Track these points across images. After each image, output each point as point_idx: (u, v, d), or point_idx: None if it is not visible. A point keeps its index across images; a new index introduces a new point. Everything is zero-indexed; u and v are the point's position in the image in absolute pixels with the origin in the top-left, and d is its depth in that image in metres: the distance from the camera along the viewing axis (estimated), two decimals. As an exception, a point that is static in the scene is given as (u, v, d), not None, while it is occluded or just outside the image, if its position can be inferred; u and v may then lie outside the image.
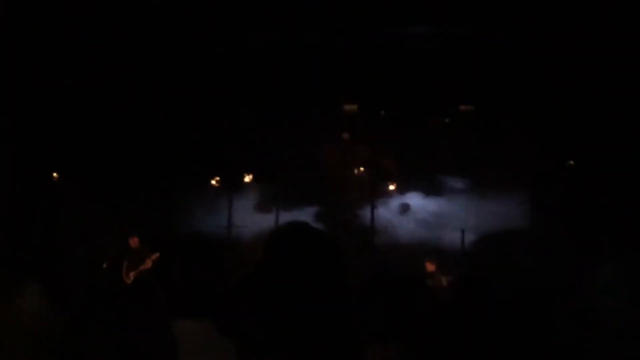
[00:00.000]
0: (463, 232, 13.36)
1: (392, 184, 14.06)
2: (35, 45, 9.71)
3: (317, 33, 10.13)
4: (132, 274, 11.62)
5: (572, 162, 12.73)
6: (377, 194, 14.33)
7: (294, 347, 1.48)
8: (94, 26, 9.45)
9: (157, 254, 11.74)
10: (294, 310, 1.49)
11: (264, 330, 1.51)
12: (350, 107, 13.02)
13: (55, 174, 13.42)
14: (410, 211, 14.47)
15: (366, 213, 14.46)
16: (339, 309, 1.52)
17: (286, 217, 14.12)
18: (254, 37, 10.07)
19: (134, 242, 12.00)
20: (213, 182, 14.24)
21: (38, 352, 1.93)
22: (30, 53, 9.82)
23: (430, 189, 14.17)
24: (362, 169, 14.38)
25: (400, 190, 14.26)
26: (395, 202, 14.54)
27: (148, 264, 11.67)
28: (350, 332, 2.01)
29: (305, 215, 14.32)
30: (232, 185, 14.59)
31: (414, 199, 14.39)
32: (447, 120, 13.25)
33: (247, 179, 14.53)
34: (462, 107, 12.64)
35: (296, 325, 1.48)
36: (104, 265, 11.75)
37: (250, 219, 14.40)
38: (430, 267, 11.74)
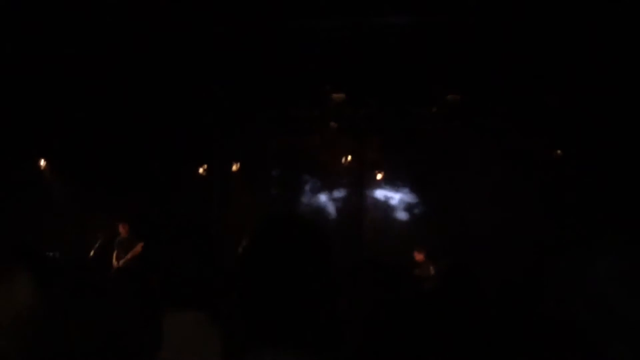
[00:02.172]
0: (451, 221, 13.42)
1: (380, 173, 14.09)
2: (21, 32, 9.64)
3: (304, 22, 10.10)
4: (121, 262, 11.64)
5: (559, 152, 12.80)
6: (365, 183, 14.37)
7: (280, 335, 1.49)
8: (77, 9, 9.37)
9: (141, 244, 11.76)
10: (280, 298, 1.50)
11: (249, 319, 1.52)
12: (338, 97, 13.00)
13: (42, 162, 13.38)
14: (397, 200, 14.54)
15: (353, 202, 14.49)
16: (325, 296, 1.53)
17: (273, 205, 14.15)
18: (239, 25, 10.02)
19: (124, 229, 12.01)
20: (200, 170, 14.23)
21: (25, 339, 1.92)
22: (16, 41, 9.75)
23: (418, 178, 14.22)
24: (349, 158, 14.40)
25: (388, 179, 14.30)
26: (382, 191, 14.59)
27: (137, 251, 11.69)
28: (336, 319, 2.03)
29: (292, 204, 14.35)
30: (220, 174, 14.59)
31: (402, 188, 14.44)
32: (434, 110, 13.26)
33: (235, 167, 14.53)
34: (449, 97, 12.65)
35: (282, 314, 1.49)
36: (91, 253, 11.76)
37: (237, 207, 14.42)
38: (418, 256, 11.81)
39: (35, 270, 2.19)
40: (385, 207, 14.64)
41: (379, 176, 14.10)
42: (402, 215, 14.40)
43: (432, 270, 11.59)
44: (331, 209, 14.62)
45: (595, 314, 1.70)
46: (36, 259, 2.28)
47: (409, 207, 14.43)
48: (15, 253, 2.26)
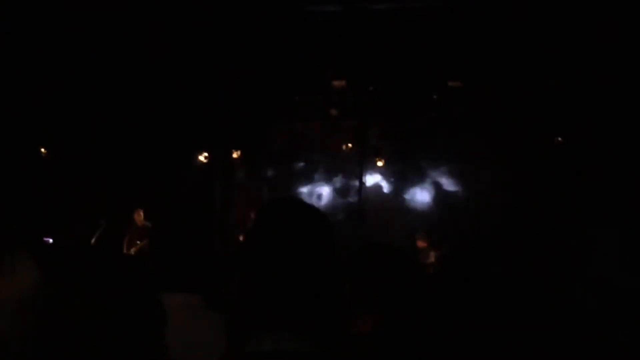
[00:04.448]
0: (453, 207, 13.42)
1: (381, 160, 14.07)
2: (22, 22, 9.61)
3: (305, 7, 10.07)
4: (132, 250, 11.69)
5: (560, 139, 12.77)
6: (365, 169, 14.35)
7: (283, 319, 1.47)
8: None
9: (147, 240, 11.77)
10: (283, 283, 1.48)
11: (252, 304, 1.51)
12: (338, 83, 12.97)
13: (43, 149, 13.36)
14: (398, 187, 14.53)
15: (354, 189, 14.48)
16: (328, 281, 1.51)
17: (274, 193, 14.16)
18: (240, 10, 9.99)
19: (138, 216, 12.06)
20: (201, 158, 14.22)
21: (28, 324, 1.91)
22: (18, 30, 9.71)
23: (419, 165, 14.20)
24: (350, 144, 14.38)
25: (389, 165, 14.28)
26: (383, 178, 14.58)
27: (144, 244, 11.72)
28: (339, 304, 2.01)
29: (293, 190, 14.35)
30: (220, 161, 14.57)
31: (402, 175, 14.43)
32: (435, 97, 13.23)
33: (235, 155, 14.52)
34: (450, 84, 12.63)
35: (285, 298, 1.48)
36: (93, 240, 11.78)
37: (238, 195, 14.43)
38: (421, 243, 11.81)
39: (37, 257, 2.17)
40: (385, 194, 14.63)
41: (380, 163, 14.08)
42: (403, 202, 14.39)
43: (432, 256, 11.59)
44: (331, 195, 14.62)
45: (598, 295, 1.69)
46: (34, 244, 2.27)
47: (409, 194, 14.42)
48: (15, 238, 2.25)
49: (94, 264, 1.95)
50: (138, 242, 11.91)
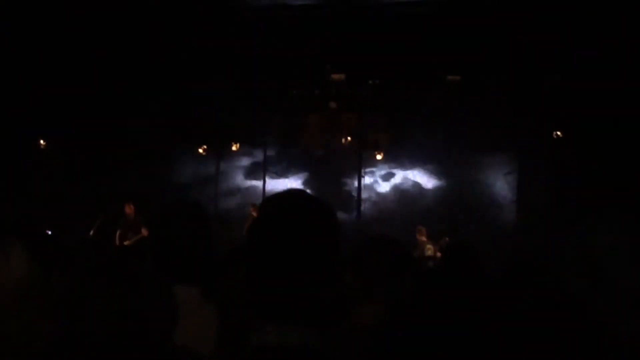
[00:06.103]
0: (451, 201, 13.43)
1: (379, 153, 14.08)
2: (22, 14, 9.59)
3: (305, 1, 10.07)
4: (126, 243, 11.63)
5: (558, 133, 12.77)
6: (364, 163, 14.35)
7: (288, 312, 1.48)
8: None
9: (146, 229, 11.72)
10: (288, 276, 1.49)
11: (257, 297, 1.52)
12: (337, 76, 12.98)
13: (42, 141, 13.34)
14: (397, 180, 14.53)
15: (353, 182, 14.48)
16: (333, 274, 1.52)
17: (273, 185, 14.15)
18: (242, 4, 9.98)
19: (129, 209, 12.00)
20: (200, 150, 14.21)
21: (23, 315, 1.92)
22: (18, 23, 9.70)
23: (418, 158, 14.19)
24: (349, 138, 14.38)
25: (387, 159, 14.28)
26: (382, 171, 14.57)
27: (144, 233, 11.67)
28: (343, 296, 2.02)
29: (292, 183, 14.34)
30: (220, 153, 14.57)
31: (401, 168, 14.43)
32: (434, 90, 13.24)
33: (235, 147, 14.51)
34: (449, 77, 12.63)
35: (290, 291, 1.49)
36: (91, 233, 11.74)
37: (238, 187, 14.41)
38: (420, 237, 11.81)
39: (33, 247, 2.17)
40: (384, 186, 14.63)
41: (379, 156, 14.09)
42: (401, 195, 14.39)
43: (430, 250, 11.59)
44: (330, 188, 14.61)
45: (598, 286, 1.70)
46: (35, 236, 2.27)
47: (408, 187, 14.41)
48: (14, 229, 2.25)
49: (102, 257, 1.95)
50: (129, 234, 11.83)
